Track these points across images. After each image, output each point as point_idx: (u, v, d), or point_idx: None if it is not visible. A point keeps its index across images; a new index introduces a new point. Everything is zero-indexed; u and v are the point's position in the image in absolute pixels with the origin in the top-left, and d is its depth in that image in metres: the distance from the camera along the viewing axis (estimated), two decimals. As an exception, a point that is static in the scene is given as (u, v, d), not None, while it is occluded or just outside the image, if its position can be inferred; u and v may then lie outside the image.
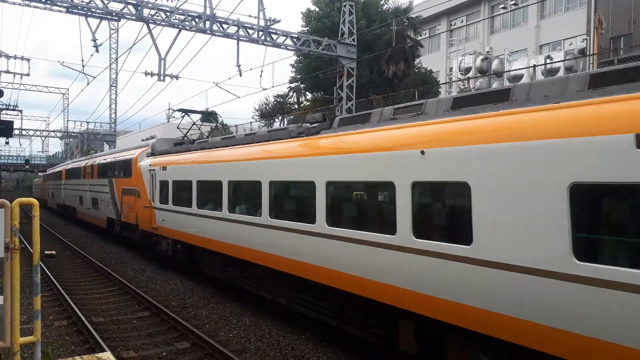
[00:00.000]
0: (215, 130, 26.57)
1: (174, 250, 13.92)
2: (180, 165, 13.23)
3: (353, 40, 23.87)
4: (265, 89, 22.53)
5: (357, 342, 7.94)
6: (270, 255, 8.78)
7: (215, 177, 10.89)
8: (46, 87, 52.10)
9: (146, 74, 21.05)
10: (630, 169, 4.05)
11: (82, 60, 32.76)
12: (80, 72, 25.77)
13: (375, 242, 6.46)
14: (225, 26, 20.70)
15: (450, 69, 33.20)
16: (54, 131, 58.35)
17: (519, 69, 25.76)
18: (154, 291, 12.42)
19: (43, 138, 57.25)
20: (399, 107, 7.18)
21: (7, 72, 29.58)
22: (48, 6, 18.90)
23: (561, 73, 22.67)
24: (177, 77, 21.59)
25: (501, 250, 4.98)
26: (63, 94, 55.99)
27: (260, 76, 22.17)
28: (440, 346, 6.10)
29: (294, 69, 38.54)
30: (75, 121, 63.01)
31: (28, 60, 31.22)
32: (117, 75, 49.12)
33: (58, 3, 18.62)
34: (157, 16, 19.73)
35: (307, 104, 39.21)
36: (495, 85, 26.37)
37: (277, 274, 8.88)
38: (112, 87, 49.45)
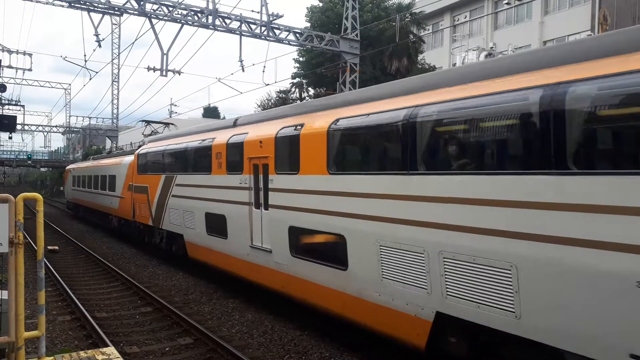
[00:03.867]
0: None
1: None
2: None
3: (356, 35, 23.78)
4: (268, 84, 22.51)
5: (359, 338, 7.94)
6: None
7: None
8: (48, 82, 52.10)
9: (148, 69, 21.04)
10: None
11: (85, 56, 32.75)
12: (83, 67, 25.83)
13: None
14: (227, 21, 20.65)
15: (454, 65, 33.06)
16: (56, 126, 58.50)
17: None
18: (157, 287, 12.43)
19: (45, 133, 57.39)
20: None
21: (10, 67, 29.55)
22: (50, 0, 18.87)
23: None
24: (179, 72, 21.60)
25: None
26: (65, 89, 56.08)
27: (263, 71, 22.20)
28: None
29: (297, 64, 38.42)
30: (77, 116, 63.18)
31: (30, 55, 31.23)
32: (119, 71, 49.11)
33: (60, -3, 18.60)
34: (160, 11, 19.70)
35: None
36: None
37: None
38: (114, 83, 49.45)
